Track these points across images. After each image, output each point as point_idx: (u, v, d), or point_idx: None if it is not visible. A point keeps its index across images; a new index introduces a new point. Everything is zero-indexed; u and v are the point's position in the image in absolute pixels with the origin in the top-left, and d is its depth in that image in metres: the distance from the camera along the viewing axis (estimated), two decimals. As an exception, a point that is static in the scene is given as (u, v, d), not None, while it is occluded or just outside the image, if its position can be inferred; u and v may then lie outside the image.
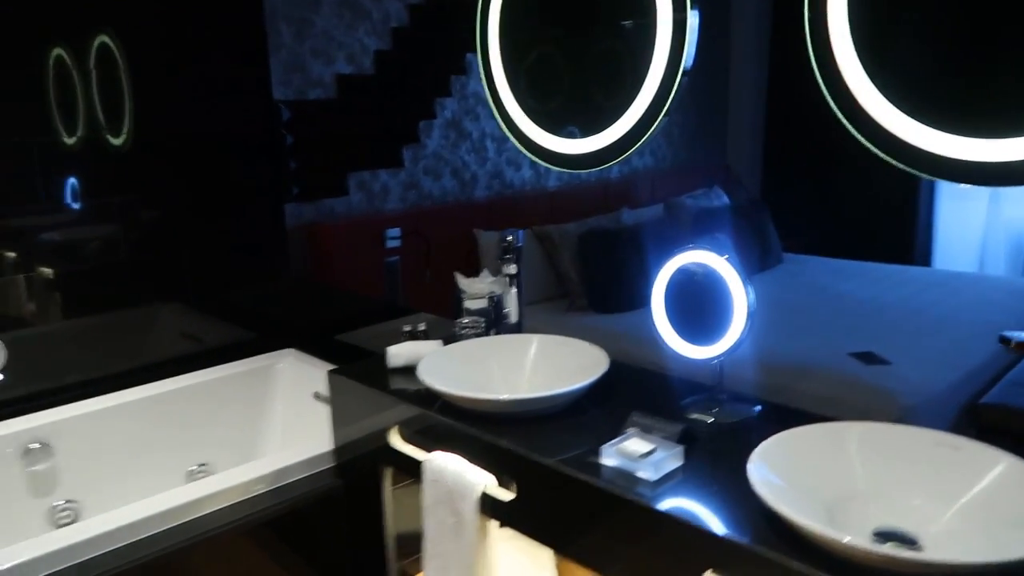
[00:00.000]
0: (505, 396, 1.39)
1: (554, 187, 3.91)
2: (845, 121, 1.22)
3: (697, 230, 3.84)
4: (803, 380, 2.44)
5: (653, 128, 1.55)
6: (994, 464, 1.11)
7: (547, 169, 3.93)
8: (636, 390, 1.58)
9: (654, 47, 1.47)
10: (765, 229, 4.01)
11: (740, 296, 1.30)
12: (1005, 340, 0.87)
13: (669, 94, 1.49)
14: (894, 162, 1.18)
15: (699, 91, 4.82)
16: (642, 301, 3.33)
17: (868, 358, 2.53)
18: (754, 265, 3.87)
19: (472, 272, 1.92)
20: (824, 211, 4.97)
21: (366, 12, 3.15)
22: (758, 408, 1.42)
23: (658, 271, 1.41)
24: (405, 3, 3.25)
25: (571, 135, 1.70)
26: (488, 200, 3.62)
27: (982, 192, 4.47)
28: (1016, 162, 1.08)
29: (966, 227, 4.57)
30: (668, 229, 3.70)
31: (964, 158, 1.12)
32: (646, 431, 1.29)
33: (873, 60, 1.20)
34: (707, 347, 1.36)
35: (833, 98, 1.25)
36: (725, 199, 4.29)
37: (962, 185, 1.14)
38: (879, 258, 4.55)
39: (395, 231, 3.15)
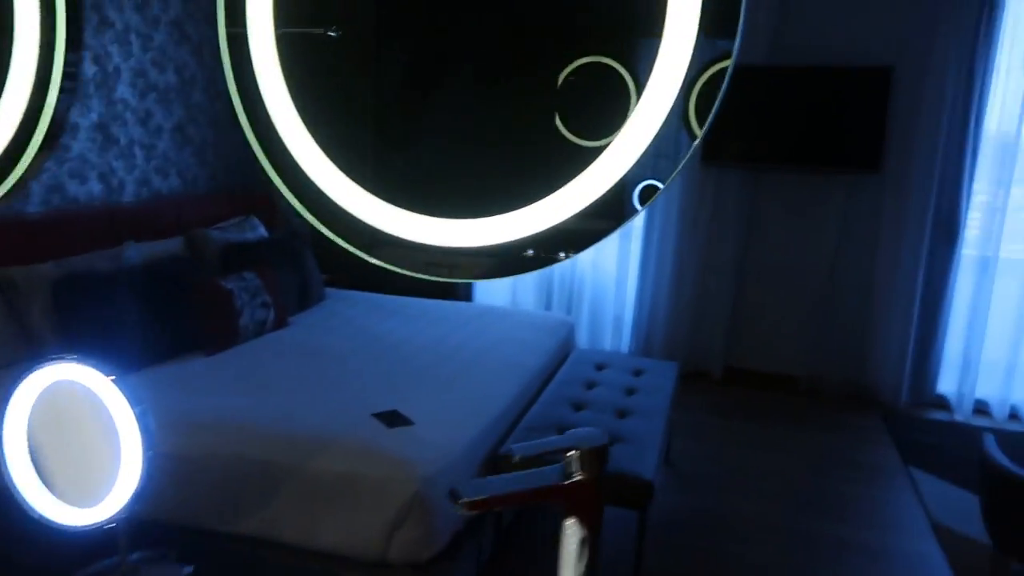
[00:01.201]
0: None
1: (36, 213, 3.07)
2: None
3: (225, 267, 3.35)
4: (319, 455, 2.12)
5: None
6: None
7: (27, 185, 3.07)
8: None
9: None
10: (305, 264, 3.68)
11: (131, 438, 0.88)
12: (505, 456, 0.71)
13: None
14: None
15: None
16: (145, 359, 2.72)
17: (392, 419, 2.32)
18: (293, 305, 3.51)
19: None
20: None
21: None
22: (189, 570, 1.01)
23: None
24: None
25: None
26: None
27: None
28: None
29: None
30: (187, 268, 3.14)
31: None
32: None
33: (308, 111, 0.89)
34: (91, 509, 0.91)
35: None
36: (262, 231, 3.87)
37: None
38: (425, 293, 4.58)
39: None
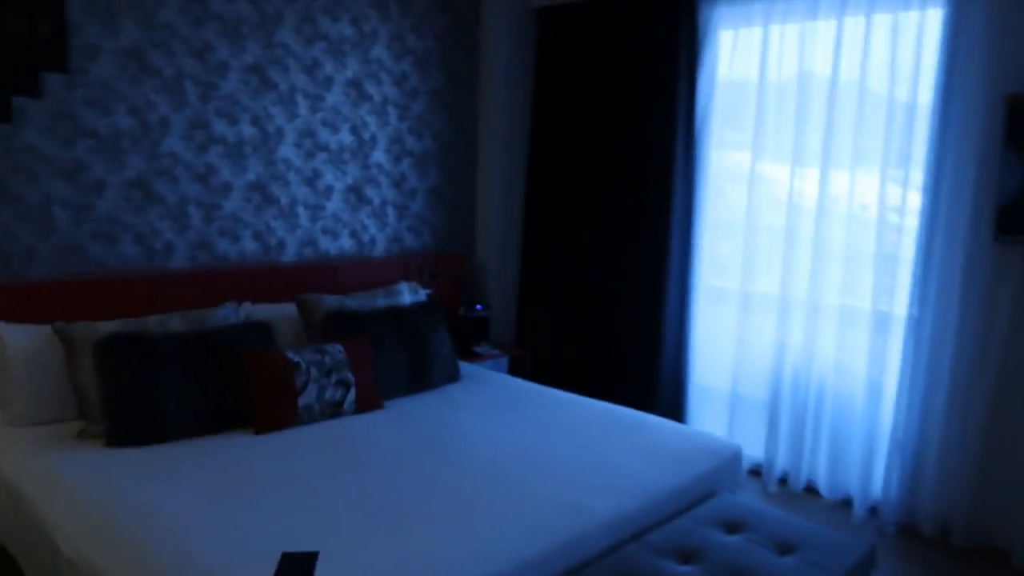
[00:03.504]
0: None
1: (181, 270, 3.12)
2: None
3: (326, 335, 3.05)
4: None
5: None
6: None
7: (167, 246, 3.15)
8: None
9: None
10: (429, 340, 3.21)
11: None
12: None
13: None
14: None
15: (432, 171, 4.08)
16: (183, 430, 2.39)
17: (291, 567, 1.70)
18: (401, 384, 3.07)
19: None
20: (573, 331, 4.18)
21: None
22: None
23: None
24: None
25: None
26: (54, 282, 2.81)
27: (731, 298, 3.74)
28: None
29: (719, 344, 3.82)
30: (255, 335, 2.85)
31: None
32: None
33: None
34: None
35: None
36: (402, 299, 3.51)
37: None
38: (621, 398, 3.74)
39: None
